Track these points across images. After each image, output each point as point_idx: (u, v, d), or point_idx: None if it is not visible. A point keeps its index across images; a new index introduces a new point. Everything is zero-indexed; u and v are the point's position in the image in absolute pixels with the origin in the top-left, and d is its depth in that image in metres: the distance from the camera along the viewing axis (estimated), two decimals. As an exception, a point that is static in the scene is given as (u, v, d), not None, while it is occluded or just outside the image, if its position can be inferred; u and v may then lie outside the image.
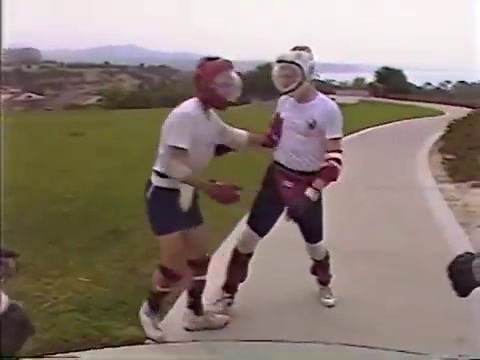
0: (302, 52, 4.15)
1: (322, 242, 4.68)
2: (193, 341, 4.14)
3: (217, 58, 3.90)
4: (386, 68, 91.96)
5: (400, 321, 4.47)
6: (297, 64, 4.10)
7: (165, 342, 4.08)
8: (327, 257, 4.80)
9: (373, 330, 4.27)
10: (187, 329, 4.33)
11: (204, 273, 4.22)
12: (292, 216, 4.21)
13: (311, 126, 4.21)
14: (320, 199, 4.40)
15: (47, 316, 4.56)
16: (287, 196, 4.33)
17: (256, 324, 4.44)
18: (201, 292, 4.31)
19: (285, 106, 4.41)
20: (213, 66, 3.83)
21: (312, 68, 4.19)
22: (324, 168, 4.20)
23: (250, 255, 4.61)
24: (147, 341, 4.13)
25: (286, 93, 4.28)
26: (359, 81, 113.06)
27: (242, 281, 4.71)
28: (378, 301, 4.89)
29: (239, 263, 4.61)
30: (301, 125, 4.24)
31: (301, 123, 4.24)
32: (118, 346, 4.01)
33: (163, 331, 4.17)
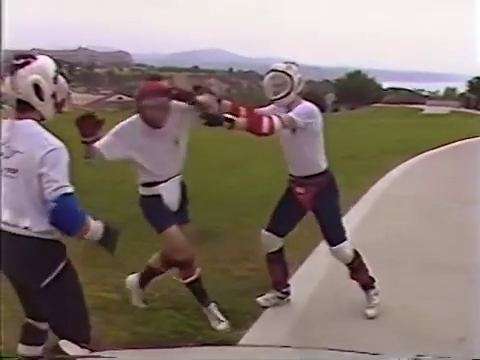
0: (292, 65, 4.51)
1: (346, 243, 4.70)
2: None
3: (158, 78, 4.19)
4: (479, 78, 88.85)
5: None
6: (288, 74, 4.42)
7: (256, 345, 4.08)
8: (357, 257, 4.75)
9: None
10: None
11: (192, 274, 4.46)
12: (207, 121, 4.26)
13: (293, 130, 4.40)
14: (335, 200, 4.68)
15: (142, 311, 4.67)
16: (303, 201, 4.64)
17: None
18: (201, 289, 4.55)
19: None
20: (144, 88, 4.12)
21: (300, 81, 4.48)
22: (258, 116, 4.37)
23: (276, 252, 4.85)
24: (240, 342, 4.14)
25: (274, 100, 4.54)
26: (450, 91, 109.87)
27: (285, 276, 4.97)
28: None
29: (270, 261, 4.90)
30: (286, 133, 4.45)
31: (286, 131, 4.43)
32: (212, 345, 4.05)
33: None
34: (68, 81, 3.28)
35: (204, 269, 5.56)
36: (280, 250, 4.89)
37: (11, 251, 2.95)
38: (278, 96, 4.49)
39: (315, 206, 4.62)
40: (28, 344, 3.39)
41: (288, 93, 4.45)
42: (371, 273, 4.82)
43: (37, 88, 2.91)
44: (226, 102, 4.49)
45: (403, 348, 3.97)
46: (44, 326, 3.33)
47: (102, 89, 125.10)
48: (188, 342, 4.10)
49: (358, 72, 70.94)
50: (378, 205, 9.04)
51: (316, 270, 5.65)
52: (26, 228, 2.94)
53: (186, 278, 4.48)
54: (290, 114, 4.35)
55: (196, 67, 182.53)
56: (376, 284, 4.83)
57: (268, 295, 4.92)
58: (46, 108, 2.99)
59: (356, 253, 4.75)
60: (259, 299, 4.89)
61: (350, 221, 7.73)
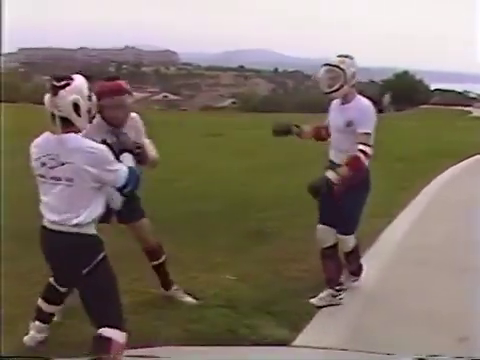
0: (346, 59, 4.73)
1: (352, 237, 4.96)
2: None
3: (116, 78, 4.28)
4: None
5: None
6: (341, 68, 4.66)
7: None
8: (355, 249, 5.08)
9: None
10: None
11: (159, 257, 4.83)
12: (311, 193, 4.63)
13: (348, 125, 4.69)
14: (360, 194, 4.82)
15: (194, 308, 4.68)
16: (337, 189, 4.66)
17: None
18: (165, 271, 4.88)
19: (331, 108, 4.99)
20: (101, 88, 4.10)
21: (354, 74, 4.72)
22: (351, 158, 4.60)
23: (330, 248, 4.98)
24: (294, 343, 4.12)
25: (329, 93, 4.78)
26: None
27: (339, 273, 5.04)
28: None
29: (325, 257, 5.01)
30: (340, 124, 4.77)
31: (340, 122, 4.77)
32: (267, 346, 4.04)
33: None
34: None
35: (256, 269, 5.59)
36: (334, 246, 5.00)
37: (59, 246, 3.44)
38: (332, 89, 4.74)
39: (343, 194, 4.68)
40: (48, 302, 4.03)
41: (341, 86, 4.69)
42: (420, 275, 5.07)
43: (76, 106, 3.30)
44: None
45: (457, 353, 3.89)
46: (63, 289, 3.95)
47: (149, 87, 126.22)
48: (242, 341, 4.10)
49: (406, 73, 69.83)
50: (429, 209, 8.88)
51: (371, 271, 5.57)
52: (76, 225, 3.36)
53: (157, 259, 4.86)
54: (366, 135, 4.62)
55: (242, 67, 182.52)
56: (361, 276, 5.29)
57: (321, 295, 4.95)
58: (83, 122, 3.39)
59: (355, 246, 5.07)
60: (312, 300, 4.91)
61: (401, 224, 7.67)
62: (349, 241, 4.99)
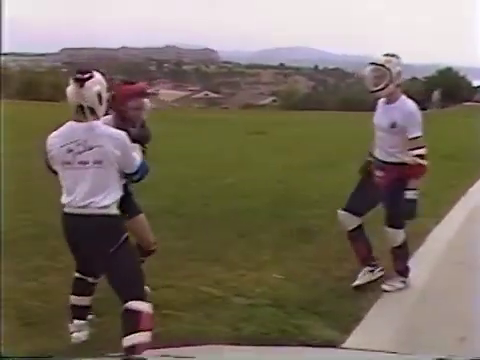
0: (392, 58, 4.85)
1: (401, 231, 5.07)
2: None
3: (134, 83, 4.44)
4: None
5: None
6: (387, 68, 4.77)
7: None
8: (404, 246, 5.14)
9: None
10: None
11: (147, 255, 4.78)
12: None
13: (392, 126, 4.85)
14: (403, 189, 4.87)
15: (244, 307, 4.66)
16: (380, 184, 5.00)
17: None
18: None
19: (377, 107, 5.10)
20: (128, 91, 4.32)
21: (399, 73, 4.84)
22: (411, 167, 4.81)
23: (356, 229, 5.18)
24: (343, 345, 4.06)
25: (374, 92, 4.91)
26: None
27: (370, 251, 5.25)
28: None
29: (352, 239, 5.24)
30: (385, 124, 4.91)
31: (385, 123, 4.91)
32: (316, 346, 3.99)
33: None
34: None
35: (303, 268, 5.55)
36: (359, 227, 5.19)
37: (87, 229, 3.64)
38: (377, 88, 4.86)
39: (388, 190, 4.95)
40: (79, 295, 4.12)
41: (386, 85, 4.81)
42: (469, 276, 5.18)
43: (99, 96, 3.64)
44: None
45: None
46: (91, 279, 4.09)
47: (189, 86, 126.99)
48: (291, 341, 4.06)
49: (449, 69, 68.52)
50: (477, 208, 8.68)
51: (420, 271, 5.47)
52: (105, 207, 3.62)
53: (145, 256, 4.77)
54: (417, 139, 4.81)
55: (282, 64, 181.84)
56: (408, 277, 5.21)
57: (359, 275, 5.17)
58: (102, 111, 3.75)
59: (404, 242, 5.12)
60: (354, 284, 5.12)
61: (449, 223, 7.51)
62: (397, 235, 5.06)
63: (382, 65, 4.81)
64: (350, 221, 5.17)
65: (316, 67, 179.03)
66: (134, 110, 4.33)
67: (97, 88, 3.61)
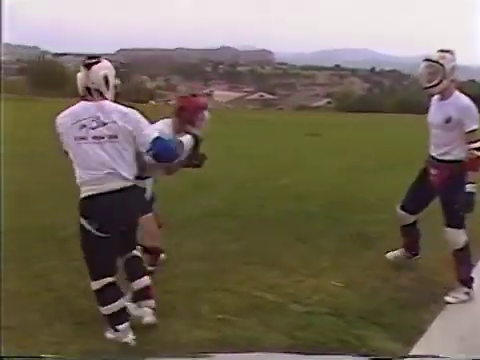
0: (446, 54, 4.83)
1: (461, 231, 4.96)
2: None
3: (196, 95, 4.86)
4: None
5: None
6: (440, 64, 4.77)
7: None
8: (466, 248, 4.99)
9: None
10: None
11: (156, 264, 4.92)
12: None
13: (447, 121, 4.83)
14: (463, 188, 4.83)
15: (300, 314, 4.51)
16: (434, 182, 5.03)
17: None
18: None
19: (431, 104, 5.10)
20: (198, 103, 4.78)
21: (453, 69, 4.82)
22: (469, 160, 4.79)
23: (409, 224, 5.42)
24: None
25: (428, 88, 4.90)
26: None
27: (417, 241, 5.53)
28: None
29: (403, 232, 5.52)
30: (439, 120, 4.91)
31: (439, 119, 4.91)
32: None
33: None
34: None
35: (361, 275, 5.35)
36: (413, 222, 5.44)
37: (115, 206, 3.85)
38: (431, 84, 4.87)
39: (443, 189, 4.97)
40: (113, 301, 4.00)
41: (440, 81, 4.82)
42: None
43: (106, 79, 3.86)
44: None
45: None
46: (112, 279, 4.03)
47: (244, 87, 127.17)
48: (351, 352, 3.89)
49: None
50: None
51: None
52: (125, 178, 3.82)
53: (152, 265, 4.86)
54: (473, 132, 4.78)
55: (337, 66, 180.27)
56: (472, 288, 5.00)
57: (396, 252, 5.60)
58: (110, 95, 3.91)
59: (466, 245, 4.99)
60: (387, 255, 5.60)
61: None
62: (458, 236, 4.98)
63: (436, 61, 4.82)
64: (406, 219, 5.41)
65: (372, 69, 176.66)
66: (200, 121, 4.74)
67: (104, 72, 3.84)
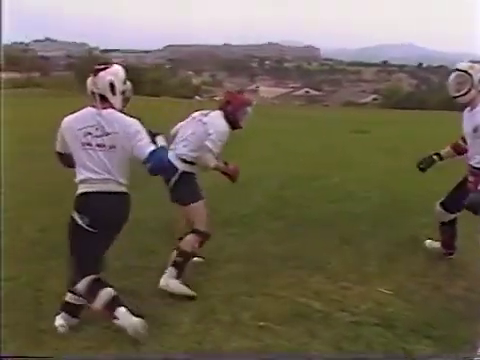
0: (475, 64, 5.01)
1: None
2: None
3: (242, 92, 5.22)
4: None
5: None
6: (469, 74, 4.95)
7: None
8: (453, 224, 5.59)
9: None
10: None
11: (200, 245, 4.96)
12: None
13: (475, 130, 5.00)
14: None
15: (347, 324, 4.26)
16: (470, 189, 5.04)
17: None
18: (187, 260, 4.90)
19: (463, 115, 5.25)
20: (242, 100, 5.09)
21: None
22: None
23: (448, 223, 5.62)
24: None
25: (456, 97, 5.06)
26: None
27: (453, 240, 5.67)
28: None
29: (441, 230, 5.70)
30: (469, 130, 5.09)
31: (469, 128, 5.09)
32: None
33: None
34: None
35: (412, 283, 5.06)
36: (452, 220, 5.61)
37: (107, 204, 3.97)
38: (459, 93, 5.03)
39: None
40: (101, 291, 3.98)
41: (469, 90, 4.98)
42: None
43: (111, 86, 3.94)
44: None
45: None
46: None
47: (290, 83, 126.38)
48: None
49: None
50: None
51: None
52: (121, 184, 3.98)
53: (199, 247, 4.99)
54: None
55: (385, 62, 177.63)
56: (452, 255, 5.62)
57: (436, 243, 5.78)
58: (117, 101, 4.00)
59: (453, 221, 5.57)
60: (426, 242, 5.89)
61: None
62: (443, 213, 5.51)
63: (465, 71, 4.99)
64: (443, 216, 5.61)
65: (420, 65, 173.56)
66: (243, 115, 5.08)
67: (109, 78, 3.93)
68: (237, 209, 7.29)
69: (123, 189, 4.02)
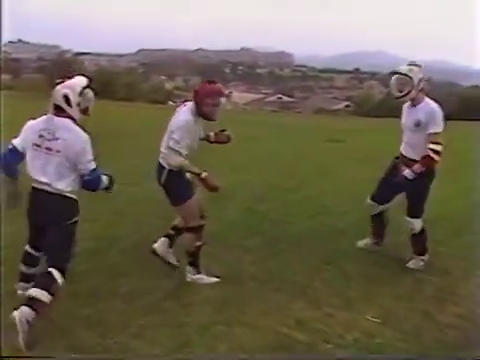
0: (414, 67, 5.51)
1: (418, 221, 5.75)
2: None
3: (215, 82, 5.04)
4: None
5: None
6: (409, 76, 5.45)
7: None
8: (422, 232, 5.79)
9: None
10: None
11: (201, 238, 5.20)
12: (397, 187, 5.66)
13: (417, 125, 5.51)
14: (426, 182, 5.61)
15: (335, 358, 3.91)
16: (403, 177, 5.57)
17: None
18: (198, 254, 5.23)
19: (403, 109, 5.74)
20: (208, 89, 4.98)
21: (421, 80, 5.47)
22: (423, 157, 5.47)
23: (377, 215, 6.18)
24: None
25: (399, 97, 5.56)
26: None
27: (383, 229, 6.24)
28: None
29: (373, 220, 6.25)
30: (410, 124, 5.59)
31: (410, 122, 5.59)
32: None
33: None
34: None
35: (400, 308, 4.76)
36: (381, 213, 6.14)
37: (46, 202, 4.23)
38: (401, 94, 5.52)
39: (412, 185, 5.54)
40: (27, 265, 4.51)
41: (409, 91, 5.48)
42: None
43: (66, 98, 4.19)
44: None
45: None
46: (38, 254, 4.48)
47: (263, 88, 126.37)
48: None
49: None
50: None
51: None
52: (61, 189, 4.19)
53: (199, 240, 5.19)
54: (435, 134, 5.45)
55: (357, 69, 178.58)
56: (425, 257, 5.78)
57: (366, 240, 6.29)
58: (74, 112, 4.23)
59: (423, 230, 5.78)
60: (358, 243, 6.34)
61: None
62: (417, 224, 5.75)
63: (405, 74, 5.47)
64: (373, 208, 6.12)
65: (391, 72, 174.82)
66: (211, 106, 4.96)
67: (64, 91, 4.19)
68: (209, 225, 6.90)
69: (58, 192, 4.21)
